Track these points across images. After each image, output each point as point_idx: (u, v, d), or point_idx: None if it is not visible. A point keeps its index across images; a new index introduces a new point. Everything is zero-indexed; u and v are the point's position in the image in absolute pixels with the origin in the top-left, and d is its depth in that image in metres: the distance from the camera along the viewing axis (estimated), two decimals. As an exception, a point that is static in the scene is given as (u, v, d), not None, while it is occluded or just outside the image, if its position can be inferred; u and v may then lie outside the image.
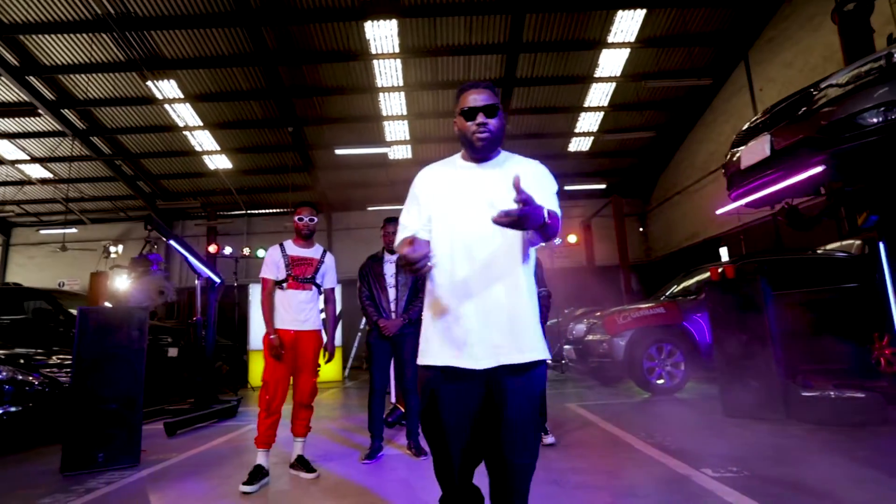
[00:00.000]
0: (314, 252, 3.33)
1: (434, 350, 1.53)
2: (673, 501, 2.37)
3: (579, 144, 14.47)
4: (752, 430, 3.76)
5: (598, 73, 11.64)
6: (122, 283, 5.37)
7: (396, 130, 13.36)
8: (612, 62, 11.32)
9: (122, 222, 16.48)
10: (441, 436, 1.50)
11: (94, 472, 3.41)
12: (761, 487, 2.46)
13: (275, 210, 16.39)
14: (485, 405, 1.49)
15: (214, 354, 6.06)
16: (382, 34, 10.36)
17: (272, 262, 3.23)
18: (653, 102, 12.86)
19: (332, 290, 3.37)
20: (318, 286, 3.29)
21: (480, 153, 1.59)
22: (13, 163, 13.67)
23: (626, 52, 11.05)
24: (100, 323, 3.69)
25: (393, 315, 3.60)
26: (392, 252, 3.69)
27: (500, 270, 1.52)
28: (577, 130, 13.78)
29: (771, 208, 4.74)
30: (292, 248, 3.29)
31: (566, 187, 15.94)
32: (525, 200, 1.27)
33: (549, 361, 9.19)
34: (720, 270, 4.41)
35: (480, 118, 1.54)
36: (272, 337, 3.09)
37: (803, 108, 3.10)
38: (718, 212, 5.43)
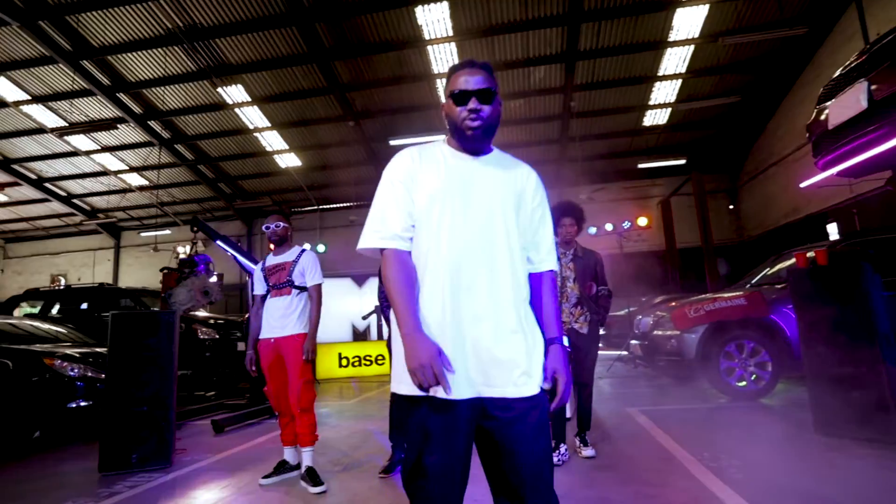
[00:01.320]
0: (288, 255, 3.26)
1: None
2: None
3: (655, 117, 13.22)
4: (851, 456, 3.02)
5: (672, 37, 10.45)
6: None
7: (456, 117, 12.99)
8: (688, 22, 10.09)
9: (210, 222, 17.68)
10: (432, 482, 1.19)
11: (127, 474, 3.47)
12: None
13: (344, 204, 16.73)
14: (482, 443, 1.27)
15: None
16: (434, 18, 10.00)
17: (256, 277, 3.29)
18: (737, 63, 11.36)
19: (316, 286, 3.19)
20: (301, 287, 3.17)
21: (471, 143, 1.35)
22: (116, 173, 15.07)
23: (704, 9, 9.79)
24: (131, 327, 3.74)
25: None
26: None
27: (500, 296, 1.26)
28: (651, 102, 12.57)
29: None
30: (270, 259, 3.29)
31: (641, 165, 14.69)
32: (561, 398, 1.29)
33: (619, 356, 8.44)
34: (809, 255, 3.61)
35: (473, 103, 1.31)
36: (249, 352, 3.23)
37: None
38: (803, 185, 4.48)
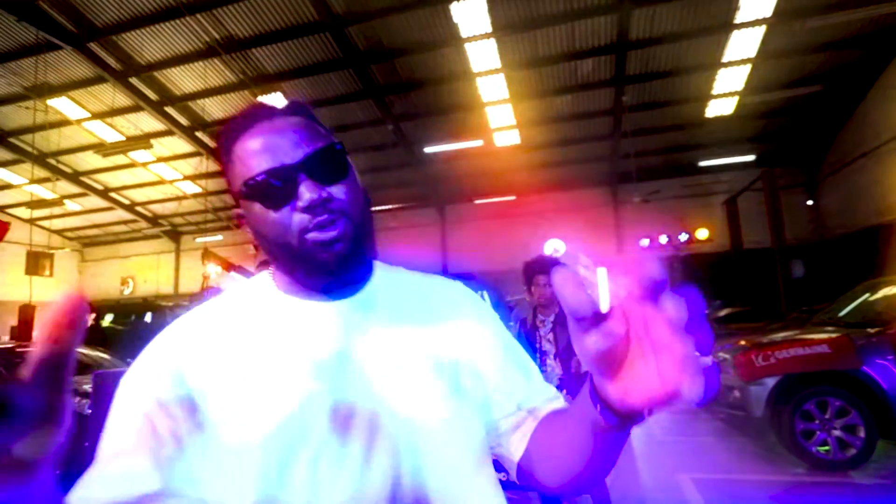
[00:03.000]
0: None
1: None
2: None
3: (719, 108, 11.84)
4: None
5: (738, 19, 9.16)
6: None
7: (500, 115, 12.24)
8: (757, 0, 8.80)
9: (261, 226, 18.01)
10: None
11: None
12: None
13: (387, 206, 16.43)
14: None
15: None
16: (471, 14, 9.30)
17: None
18: (820, 45, 9.83)
19: None
20: None
21: (334, 274, 0.64)
22: (172, 181, 15.56)
23: (777, -15, 8.48)
24: (115, 386, 3.44)
25: None
26: None
27: None
28: (715, 92, 11.24)
29: None
30: None
31: (701, 163, 13.28)
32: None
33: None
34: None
35: (309, 190, 0.61)
36: None
37: None
38: None
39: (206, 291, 4.69)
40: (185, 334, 0.65)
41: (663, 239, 9.34)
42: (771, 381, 4.26)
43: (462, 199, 15.95)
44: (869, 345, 4.11)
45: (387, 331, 0.66)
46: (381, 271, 0.74)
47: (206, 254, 5.04)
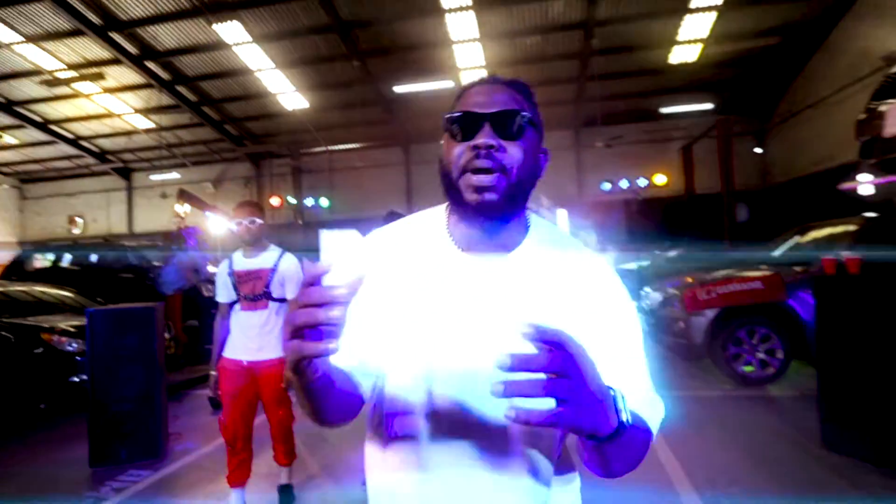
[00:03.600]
0: (264, 260, 2.73)
1: None
2: None
3: (683, 55, 12.08)
4: (855, 485, 2.80)
5: (707, -36, 9.24)
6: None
7: (469, 55, 12.05)
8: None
9: (218, 164, 17.35)
10: None
11: (117, 470, 3.46)
12: None
13: (354, 145, 16.16)
14: None
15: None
16: (441, -55, 8.96)
17: (220, 281, 2.74)
18: (782, -6, 10.11)
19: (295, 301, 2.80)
20: (280, 300, 2.72)
21: (478, 219, 0.76)
22: (121, 115, 14.65)
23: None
24: (108, 324, 3.60)
25: None
26: None
27: (510, 476, 0.76)
28: (680, 38, 11.43)
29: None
30: (240, 261, 2.75)
31: (663, 109, 13.66)
32: (564, 372, 0.52)
33: None
34: (839, 262, 3.21)
35: (484, 135, 0.72)
36: (212, 374, 2.75)
37: None
38: (843, 186, 3.99)
39: (184, 231, 4.72)
40: (387, 246, 0.83)
41: (624, 183, 9.79)
42: (711, 313, 4.86)
43: (428, 139, 15.85)
44: (795, 281, 4.72)
45: (527, 295, 0.75)
46: (537, 232, 0.81)
47: (182, 194, 5.01)
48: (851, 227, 4.92)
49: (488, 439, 0.75)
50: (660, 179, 9.69)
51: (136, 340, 3.60)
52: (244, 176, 16.94)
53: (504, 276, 0.76)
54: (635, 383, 0.75)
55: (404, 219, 0.89)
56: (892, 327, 2.90)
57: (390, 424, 0.78)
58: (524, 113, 0.74)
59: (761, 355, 4.77)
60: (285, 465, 2.89)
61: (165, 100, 13.50)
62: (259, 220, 2.70)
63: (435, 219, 0.82)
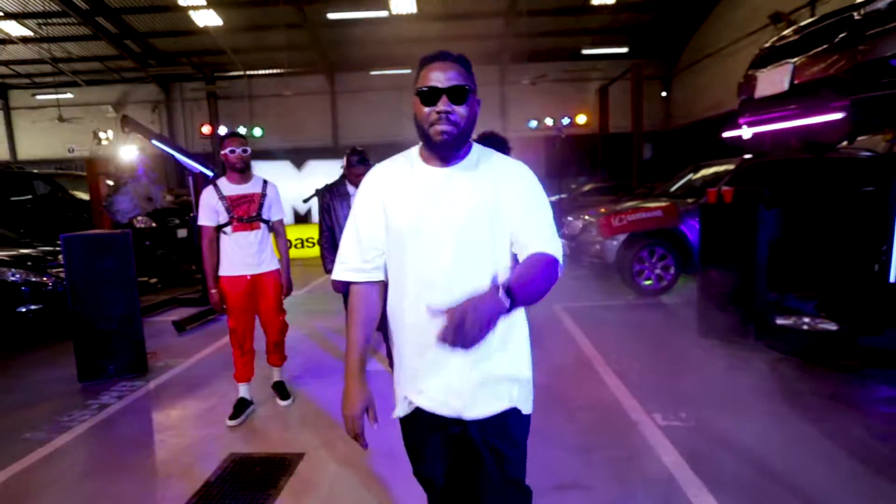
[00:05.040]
0: (253, 186, 3.08)
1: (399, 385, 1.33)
2: (611, 458, 2.55)
3: (604, -3, 12.73)
4: (718, 358, 3.88)
5: None
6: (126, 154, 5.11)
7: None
8: None
9: (118, 84, 15.75)
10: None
11: (108, 382, 3.76)
12: (698, 444, 2.62)
13: (275, 70, 15.37)
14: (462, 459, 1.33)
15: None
16: None
17: (208, 206, 3.00)
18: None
19: (281, 221, 3.20)
20: (267, 222, 3.11)
21: (440, 151, 1.20)
22: (-10, 19, 12.66)
23: None
24: (85, 249, 3.74)
25: None
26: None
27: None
28: (603, -20, 12.02)
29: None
30: (228, 187, 3.03)
31: (584, 50, 14.44)
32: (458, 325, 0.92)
33: None
34: (719, 193, 4.15)
35: (443, 104, 1.15)
36: (213, 292, 3.05)
37: (839, 36, 2.58)
38: (725, 135, 4.89)
39: (138, 160, 4.65)
40: (382, 174, 1.30)
41: (548, 121, 10.54)
42: (622, 237, 5.85)
43: (355, 67, 15.47)
44: (686, 211, 5.79)
45: (465, 186, 1.21)
46: (476, 153, 1.28)
47: (127, 120, 4.86)
48: (731, 167, 6.04)
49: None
50: (581, 119, 10.55)
51: (114, 264, 3.79)
52: (152, 100, 15.59)
53: (452, 177, 1.24)
54: (540, 232, 1.21)
55: (399, 156, 1.33)
56: (750, 240, 3.90)
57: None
58: (468, 86, 1.17)
59: (658, 271, 5.89)
60: (279, 365, 3.38)
61: (50, 4, 11.89)
62: (248, 149, 3.03)
63: (414, 152, 1.31)
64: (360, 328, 1.28)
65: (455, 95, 1.15)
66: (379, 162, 1.35)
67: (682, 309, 5.33)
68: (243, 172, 3.05)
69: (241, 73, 15.13)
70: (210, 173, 5.77)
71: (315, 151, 13.99)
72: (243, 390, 3.20)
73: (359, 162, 3.30)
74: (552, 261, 1.15)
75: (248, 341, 3.14)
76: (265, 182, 3.14)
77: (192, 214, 6.08)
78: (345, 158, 3.37)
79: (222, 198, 3.01)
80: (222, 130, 10.77)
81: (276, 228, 3.20)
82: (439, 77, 1.16)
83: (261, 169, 2.96)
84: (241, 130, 11.49)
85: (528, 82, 13.64)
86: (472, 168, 1.24)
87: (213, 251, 3.04)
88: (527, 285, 1.05)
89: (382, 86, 15.55)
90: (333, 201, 3.41)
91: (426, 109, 1.17)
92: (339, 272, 1.33)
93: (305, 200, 8.99)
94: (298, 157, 11.23)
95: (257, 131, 11.65)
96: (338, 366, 4.01)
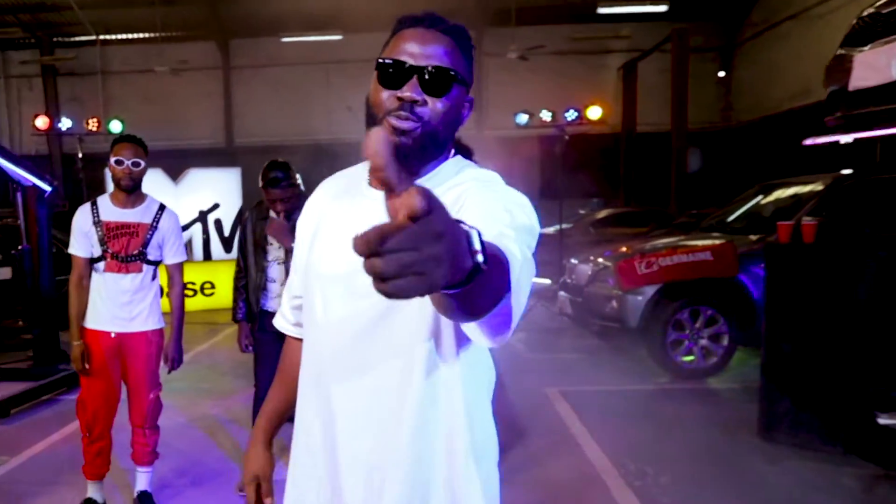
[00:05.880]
0: (142, 213, 3.22)
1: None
2: None
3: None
4: (790, 474, 3.81)
5: None
6: None
7: None
8: None
9: None
10: None
11: None
12: None
13: (141, 35, 15.39)
14: None
15: (55, 293, 6.21)
16: None
17: (80, 231, 3.15)
18: None
19: (178, 266, 3.36)
20: (154, 263, 3.25)
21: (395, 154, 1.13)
22: None
23: None
24: None
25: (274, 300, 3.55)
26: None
27: (402, 392, 1.12)
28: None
29: None
30: (109, 210, 3.18)
31: (601, 9, 14.65)
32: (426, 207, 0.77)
33: (546, 288, 9.00)
34: (793, 228, 4.15)
35: (410, 88, 1.09)
36: (76, 344, 3.15)
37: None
38: (808, 142, 5.06)
39: None
40: (327, 189, 1.34)
41: (545, 114, 10.61)
42: (650, 291, 5.85)
43: (259, 31, 15.57)
44: (749, 252, 5.81)
45: None
46: (449, 170, 1.21)
47: None
48: (818, 187, 6.03)
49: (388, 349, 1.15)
50: (594, 113, 10.65)
51: None
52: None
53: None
54: (495, 225, 1.10)
55: (353, 169, 1.34)
56: (843, 304, 3.89)
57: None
58: (453, 71, 1.11)
59: (704, 342, 5.87)
60: (146, 464, 3.38)
61: None
62: (143, 163, 3.17)
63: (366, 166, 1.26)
64: (281, 387, 1.43)
65: (432, 81, 1.10)
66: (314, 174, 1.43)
67: (738, 399, 5.32)
68: (131, 193, 3.18)
69: (93, 37, 15.13)
70: (48, 187, 5.97)
71: (200, 155, 13.96)
72: (92, 490, 3.28)
73: (273, 183, 3.39)
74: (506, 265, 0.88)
75: (101, 423, 3.23)
76: (161, 208, 3.28)
77: (19, 248, 6.18)
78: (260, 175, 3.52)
79: (97, 223, 3.14)
80: (65, 124, 10.94)
81: (172, 274, 3.36)
82: (413, 49, 1.11)
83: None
84: (93, 125, 11.53)
85: (516, 55, 13.86)
86: (437, 186, 1.15)
87: (82, 291, 3.19)
88: (497, 266, 0.77)
89: (300, 58, 15.71)
90: (247, 226, 3.67)
91: (384, 93, 1.12)
92: (276, 317, 1.52)
93: (185, 228, 8.85)
94: (175, 164, 11.15)
95: (115, 125, 11.65)
96: (228, 469, 4.02)
